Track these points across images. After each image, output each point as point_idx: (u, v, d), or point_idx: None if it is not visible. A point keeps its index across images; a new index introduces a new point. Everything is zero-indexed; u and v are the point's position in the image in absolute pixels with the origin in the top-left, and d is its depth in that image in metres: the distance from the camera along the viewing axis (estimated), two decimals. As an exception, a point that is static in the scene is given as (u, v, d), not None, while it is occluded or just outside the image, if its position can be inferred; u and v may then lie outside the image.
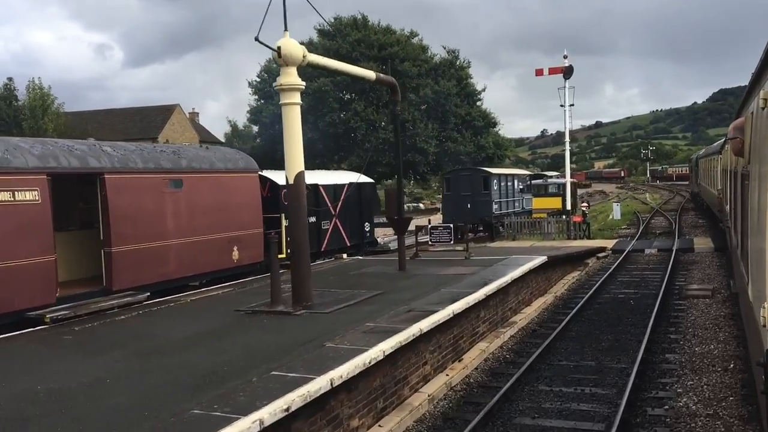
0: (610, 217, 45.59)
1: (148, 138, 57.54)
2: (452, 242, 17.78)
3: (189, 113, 69.19)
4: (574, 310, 15.63)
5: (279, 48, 11.21)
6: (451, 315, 10.80)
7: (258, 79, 56.02)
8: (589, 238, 31.13)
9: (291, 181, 11.51)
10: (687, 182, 76.94)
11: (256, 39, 10.78)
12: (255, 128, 55.42)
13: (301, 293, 11.56)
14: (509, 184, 35.66)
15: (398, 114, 15.72)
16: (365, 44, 51.58)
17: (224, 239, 14.99)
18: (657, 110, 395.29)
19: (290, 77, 11.41)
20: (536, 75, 31.59)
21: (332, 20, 54.81)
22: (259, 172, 16.99)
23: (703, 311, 15.34)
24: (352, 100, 52.09)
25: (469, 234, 35.41)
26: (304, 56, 11.51)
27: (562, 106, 31.50)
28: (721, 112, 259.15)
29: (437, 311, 10.67)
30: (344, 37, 52.19)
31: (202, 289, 14.16)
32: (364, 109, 50.15)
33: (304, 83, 11.62)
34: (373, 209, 21.97)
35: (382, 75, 15.06)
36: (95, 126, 52.96)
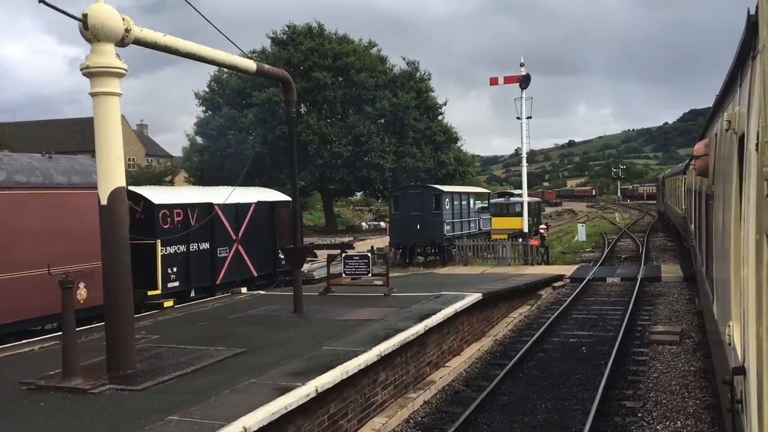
0: (576, 238, 42.97)
1: (88, 151, 53.85)
2: (370, 275, 14.66)
3: (137, 125, 65.61)
4: (513, 362, 12.61)
5: (85, 16, 8.05)
6: (315, 394, 7.65)
7: (207, 90, 52.77)
8: (547, 263, 28.28)
9: (104, 202, 8.32)
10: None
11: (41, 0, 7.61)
12: (202, 141, 51.93)
13: (118, 358, 8.34)
14: (464, 202, 32.74)
15: (292, 116, 12.60)
16: (319, 53, 48.62)
17: (62, 275, 11.68)
18: (629, 130, 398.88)
19: (103, 57, 8.24)
20: (491, 84, 28.82)
21: (286, 28, 51.88)
22: (130, 188, 13.75)
23: (669, 365, 12.40)
24: (305, 112, 49.06)
25: (419, 257, 32.46)
26: (127, 30, 8.36)
27: (518, 118, 28.74)
28: (691, 132, 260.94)
29: (295, 388, 7.52)
30: (297, 45, 49.23)
31: (16, 343, 10.81)
32: (317, 121, 47.09)
33: (125, 66, 8.43)
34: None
35: (267, 66, 11.97)
36: (16, 138, 49.12)
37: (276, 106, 46.61)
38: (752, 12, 3.59)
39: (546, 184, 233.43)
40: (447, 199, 30.69)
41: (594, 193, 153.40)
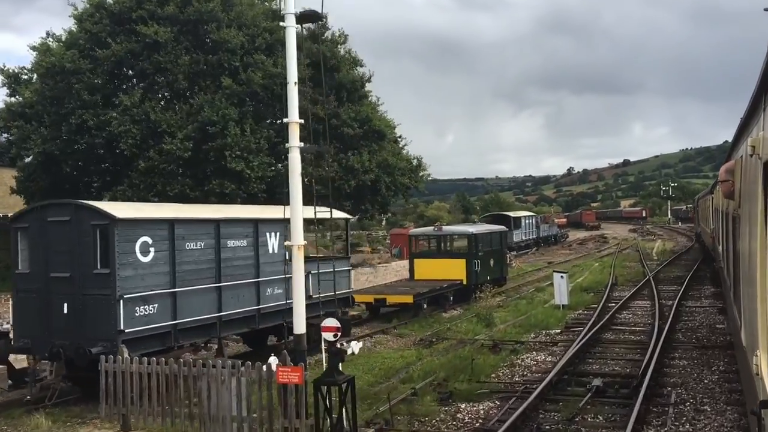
0: (554, 299, 23.73)
1: None
2: None
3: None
4: None
5: None
6: None
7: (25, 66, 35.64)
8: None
9: None
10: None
11: None
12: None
13: None
14: (235, 243, 14.10)
15: None
16: (158, -1, 30.83)
17: None
18: (687, 149, 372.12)
19: None
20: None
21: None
22: None
23: None
24: (120, 87, 31.29)
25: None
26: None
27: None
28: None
29: None
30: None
31: None
32: (139, 102, 29.18)
33: None
34: None
35: None
36: None
37: (71, 78, 29.10)
38: None
39: (595, 204, 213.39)
40: (142, 239, 12.23)
41: (644, 215, 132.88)
